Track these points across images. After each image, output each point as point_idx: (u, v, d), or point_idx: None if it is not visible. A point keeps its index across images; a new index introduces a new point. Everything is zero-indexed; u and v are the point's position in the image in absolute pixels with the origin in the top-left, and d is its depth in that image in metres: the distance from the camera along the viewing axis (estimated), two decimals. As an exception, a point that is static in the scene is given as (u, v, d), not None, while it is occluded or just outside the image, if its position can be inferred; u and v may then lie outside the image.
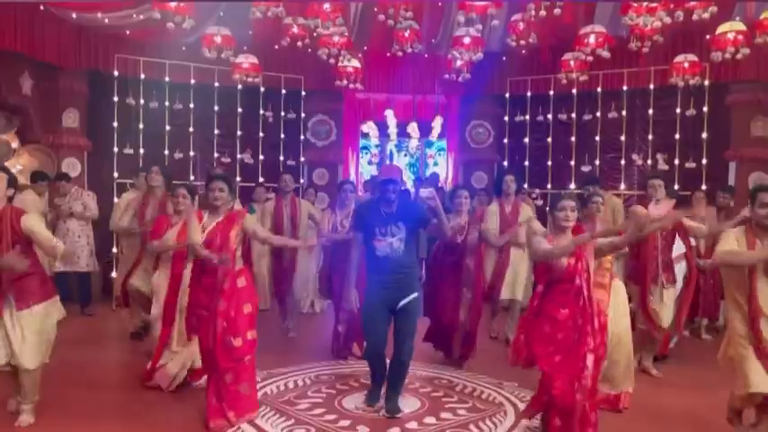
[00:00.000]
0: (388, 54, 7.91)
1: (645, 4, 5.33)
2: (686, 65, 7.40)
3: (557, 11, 5.73)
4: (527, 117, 9.42)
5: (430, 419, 4.34)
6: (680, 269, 6.02)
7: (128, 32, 8.22)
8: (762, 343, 3.45)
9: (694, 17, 5.65)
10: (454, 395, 4.90)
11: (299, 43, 7.05)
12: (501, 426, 4.27)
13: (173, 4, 5.49)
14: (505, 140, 9.72)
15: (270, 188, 9.36)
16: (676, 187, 8.26)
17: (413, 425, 4.22)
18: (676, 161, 8.53)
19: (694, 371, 5.63)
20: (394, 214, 4.39)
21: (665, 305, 5.26)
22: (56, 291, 4.19)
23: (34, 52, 7.85)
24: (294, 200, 6.73)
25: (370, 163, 12.58)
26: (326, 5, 5.57)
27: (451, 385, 5.13)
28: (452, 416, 4.44)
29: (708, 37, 7.05)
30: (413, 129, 11.28)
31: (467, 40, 6.52)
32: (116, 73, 8.41)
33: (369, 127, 11.47)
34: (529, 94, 9.39)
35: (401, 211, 4.41)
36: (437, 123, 11.18)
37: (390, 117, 11.06)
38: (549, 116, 9.27)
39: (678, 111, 8.47)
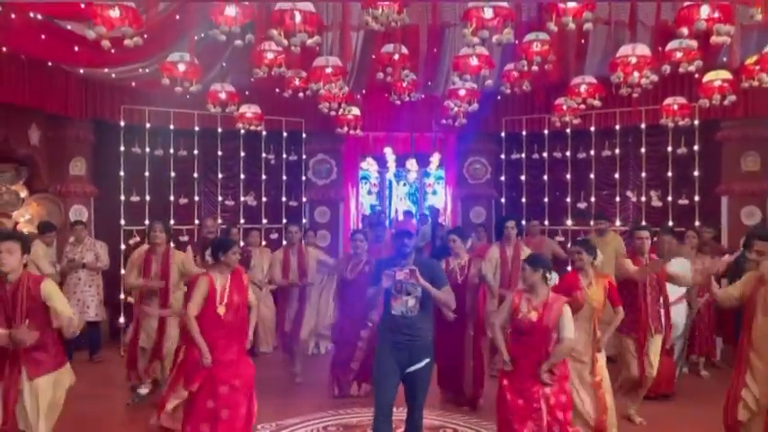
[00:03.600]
0: (386, 95, 8.14)
1: (632, 60, 5.54)
2: (675, 107, 7.63)
3: (548, 66, 5.95)
4: (523, 155, 9.64)
5: (437, 474, 4.51)
6: (678, 311, 6.27)
7: (133, 84, 8.44)
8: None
9: (680, 70, 5.86)
10: (460, 446, 5.06)
11: (301, 95, 7.26)
12: (505, 480, 4.42)
13: (181, 69, 5.70)
14: (502, 177, 9.92)
15: (272, 229, 9.57)
16: (671, 224, 8.48)
17: (420, 481, 4.37)
18: (669, 198, 8.74)
19: (692, 409, 5.78)
20: None
21: (655, 353, 5.39)
22: (66, 358, 4.24)
23: (42, 104, 8.07)
24: (301, 249, 6.90)
25: (369, 193, 12.81)
26: (329, 69, 5.80)
27: (457, 435, 5.29)
28: (459, 469, 4.60)
29: (696, 75, 7.27)
30: (411, 164, 11.55)
31: (462, 93, 6.77)
32: (122, 123, 8.62)
33: (368, 164, 11.74)
34: (524, 132, 9.61)
35: (418, 269, 4.14)
36: (435, 159, 11.44)
37: (389, 154, 11.32)
38: (545, 154, 9.48)
39: (670, 149, 8.70)
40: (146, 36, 6.03)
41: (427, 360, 4.21)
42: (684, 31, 4.58)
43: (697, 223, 8.14)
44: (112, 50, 6.26)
